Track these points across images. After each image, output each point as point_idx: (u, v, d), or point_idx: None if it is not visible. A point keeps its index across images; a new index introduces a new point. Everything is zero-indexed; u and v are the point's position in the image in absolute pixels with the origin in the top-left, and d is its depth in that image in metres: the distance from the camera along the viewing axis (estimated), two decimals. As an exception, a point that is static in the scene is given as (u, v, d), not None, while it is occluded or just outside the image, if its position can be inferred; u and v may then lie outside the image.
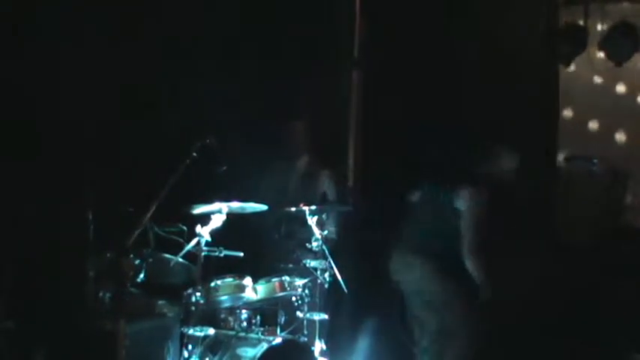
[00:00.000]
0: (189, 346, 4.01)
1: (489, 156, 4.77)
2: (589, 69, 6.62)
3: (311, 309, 4.52)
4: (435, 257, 4.49)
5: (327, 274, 4.54)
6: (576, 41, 6.19)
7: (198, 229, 4.04)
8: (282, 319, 4.56)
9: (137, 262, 4.12)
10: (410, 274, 4.61)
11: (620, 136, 6.70)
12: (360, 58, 6.52)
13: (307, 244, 4.58)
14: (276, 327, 4.53)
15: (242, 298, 4.32)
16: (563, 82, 6.68)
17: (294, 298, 4.52)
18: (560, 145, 6.62)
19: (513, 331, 5.32)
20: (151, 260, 4.19)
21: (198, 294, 4.02)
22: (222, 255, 4.16)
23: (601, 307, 5.28)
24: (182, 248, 4.13)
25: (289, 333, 4.50)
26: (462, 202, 4.45)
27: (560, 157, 6.57)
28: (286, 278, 4.50)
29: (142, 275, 4.17)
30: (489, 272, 4.50)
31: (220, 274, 4.28)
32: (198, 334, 4.01)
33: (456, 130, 6.22)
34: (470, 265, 4.43)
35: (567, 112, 6.83)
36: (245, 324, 4.41)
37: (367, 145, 6.48)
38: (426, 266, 4.52)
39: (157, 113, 5.10)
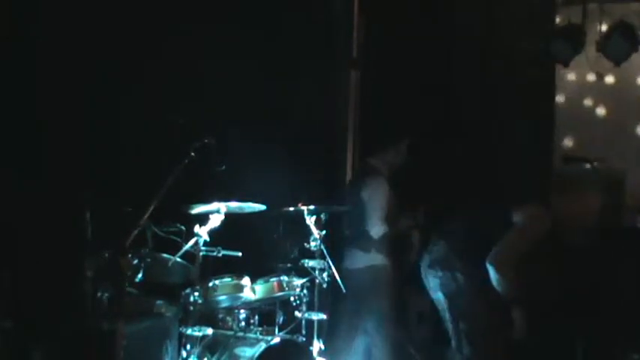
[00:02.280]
0: (188, 346, 4.01)
1: None
2: (587, 69, 6.63)
3: (309, 309, 4.52)
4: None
5: (325, 274, 4.53)
6: (574, 41, 6.18)
7: (197, 228, 4.04)
8: (281, 319, 4.56)
9: (135, 261, 4.11)
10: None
11: (619, 135, 6.72)
12: (359, 58, 6.53)
13: (305, 244, 4.57)
14: (275, 327, 4.53)
15: (240, 298, 4.32)
16: (561, 82, 6.69)
17: (292, 298, 4.52)
18: (558, 146, 6.63)
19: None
20: (149, 260, 4.19)
21: (196, 294, 4.01)
22: (220, 255, 4.16)
23: (600, 307, 5.27)
24: (180, 248, 4.12)
25: (287, 333, 4.50)
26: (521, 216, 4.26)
27: (558, 157, 6.57)
28: (284, 278, 4.50)
29: (140, 275, 4.16)
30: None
31: (218, 274, 4.28)
32: (196, 333, 4.00)
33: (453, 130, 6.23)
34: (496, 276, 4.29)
35: (566, 112, 6.84)
36: (243, 324, 4.41)
37: (366, 145, 6.48)
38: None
39: (157, 113, 5.09)
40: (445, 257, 4.46)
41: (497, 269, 4.10)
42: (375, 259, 5.03)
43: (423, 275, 4.53)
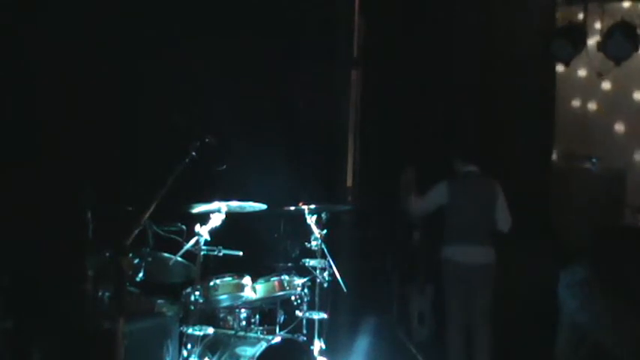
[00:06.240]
0: (189, 346, 4.01)
1: None
2: (588, 68, 6.64)
3: (310, 308, 4.53)
4: None
5: (326, 273, 4.53)
6: (575, 41, 6.19)
7: (198, 228, 4.04)
8: (282, 318, 4.57)
9: (136, 261, 4.11)
10: None
11: (619, 135, 6.72)
12: (359, 58, 6.53)
13: (306, 243, 4.58)
14: (276, 326, 4.54)
15: (241, 297, 4.32)
16: (562, 82, 6.70)
17: (293, 297, 4.53)
18: (559, 144, 6.64)
19: (513, 328, 5.34)
20: (150, 259, 4.18)
21: (197, 293, 4.01)
22: (221, 254, 4.16)
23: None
24: (181, 247, 4.12)
25: (288, 332, 4.50)
26: None
27: (559, 155, 6.58)
28: (285, 277, 4.50)
29: (141, 274, 4.16)
30: None
31: (219, 273, 4.28)
32: (197, 333, 4.00)
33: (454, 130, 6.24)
34: None
35: (566, 112, 6.85)
36: (244, 323, 4.41)
37: (366, 144, 6.48)
38: None
39: (158, 112, 5.09)
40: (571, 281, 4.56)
41: None
42: (495, 253, 5.46)
43: None
